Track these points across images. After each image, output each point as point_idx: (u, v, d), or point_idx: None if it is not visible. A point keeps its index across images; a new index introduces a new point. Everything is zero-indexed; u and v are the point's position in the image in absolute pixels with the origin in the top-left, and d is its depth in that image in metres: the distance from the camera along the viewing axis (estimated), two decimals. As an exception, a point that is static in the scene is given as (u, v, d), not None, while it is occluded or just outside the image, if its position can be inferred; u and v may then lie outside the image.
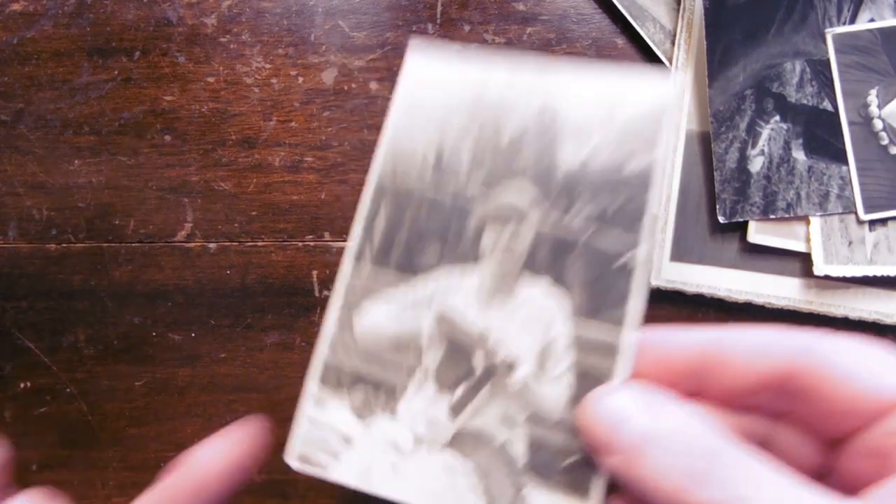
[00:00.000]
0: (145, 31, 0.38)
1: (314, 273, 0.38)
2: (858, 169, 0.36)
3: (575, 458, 0.27)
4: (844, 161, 0.36)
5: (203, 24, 0.38)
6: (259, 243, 0.38)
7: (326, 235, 0.38)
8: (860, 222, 0.36)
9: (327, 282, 0.38)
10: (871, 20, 0.37)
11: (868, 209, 0.36)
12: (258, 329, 0.38)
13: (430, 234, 0.31)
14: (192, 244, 0.38)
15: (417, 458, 0.30)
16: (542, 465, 0.28)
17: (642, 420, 0.21)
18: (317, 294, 0.38)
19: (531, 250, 0.30)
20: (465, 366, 0.30)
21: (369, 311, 0.32)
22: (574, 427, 0.27)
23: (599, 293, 0.29)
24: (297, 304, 0.38)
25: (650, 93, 0.30)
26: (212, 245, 0.38)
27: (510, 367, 0.29)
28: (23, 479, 0.39)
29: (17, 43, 0.38)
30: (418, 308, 0.31)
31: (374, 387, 0.31)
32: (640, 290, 0.28)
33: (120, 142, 0.38)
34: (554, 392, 0.29)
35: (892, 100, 0.36)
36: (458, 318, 0.31)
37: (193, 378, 0.38)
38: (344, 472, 0.30)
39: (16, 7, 0.38)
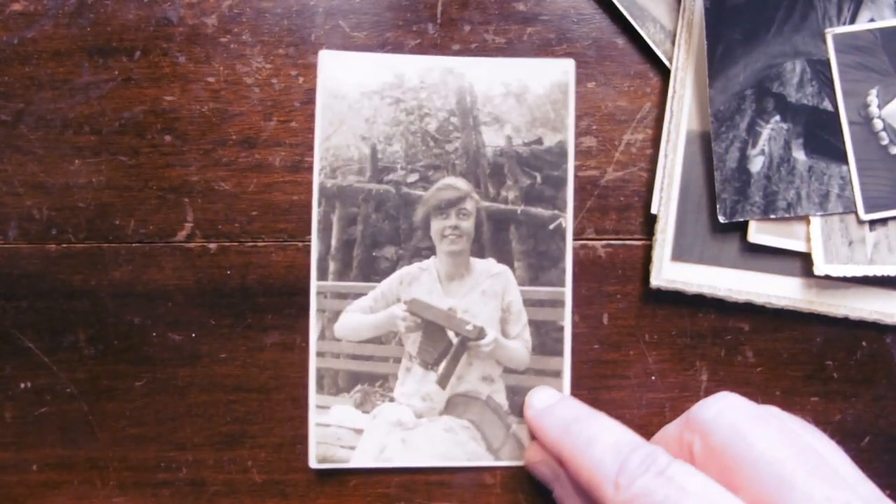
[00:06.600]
0: (145, 31, 0.38)
1: (314, 273, 0.38)
2: (859, 169, 0.36)
3: None
4: (844, 161, 0.36)
5: (203, 24, 0.38)
6: (259, 243, 0.38)
7: (326, 235, 0.38)
8: (860, 222, 0.36)
9: (327, 282, 0.38)
10: (871, 20, 0.37)
11: (868, 209, 0.36)
12: (258, 329, 0.38)
13: (383, 235, 0.36)
14: (192, 244, 0.38)
15: (421, 429, 0.36)
16: (521, 405, 0.36)
17: (548, 400, 0.35)
18: (317, 294, 0.38)
19: (476, 231, 0.36)
20: (442, 343, 0.36)
21: (345, 318, 0.37)
22: (538, 370, 0.36)
23: (539, 258, 0.36)
24: (297, 304, 0.38)
25: (549, 78, 0.36)
26: (212, 245, 0.38)
27: (480, 334, 0.36)
28: (23, 479, 0.39)
29: (17, 43, 0.38)
30: (389, 305, 0.36)
31: (370, 381, 0.37)
32: (571, 248, 0.36)
33: (120, 142, 0.38)
34: (518, 347, 0.36)
35: (892, 100, 0.36)
36: (425, 303, 0.36)
37: (193, 378, 0.38)
38: (362, 458, 0.36)
39: (16, 7, 0.38)
